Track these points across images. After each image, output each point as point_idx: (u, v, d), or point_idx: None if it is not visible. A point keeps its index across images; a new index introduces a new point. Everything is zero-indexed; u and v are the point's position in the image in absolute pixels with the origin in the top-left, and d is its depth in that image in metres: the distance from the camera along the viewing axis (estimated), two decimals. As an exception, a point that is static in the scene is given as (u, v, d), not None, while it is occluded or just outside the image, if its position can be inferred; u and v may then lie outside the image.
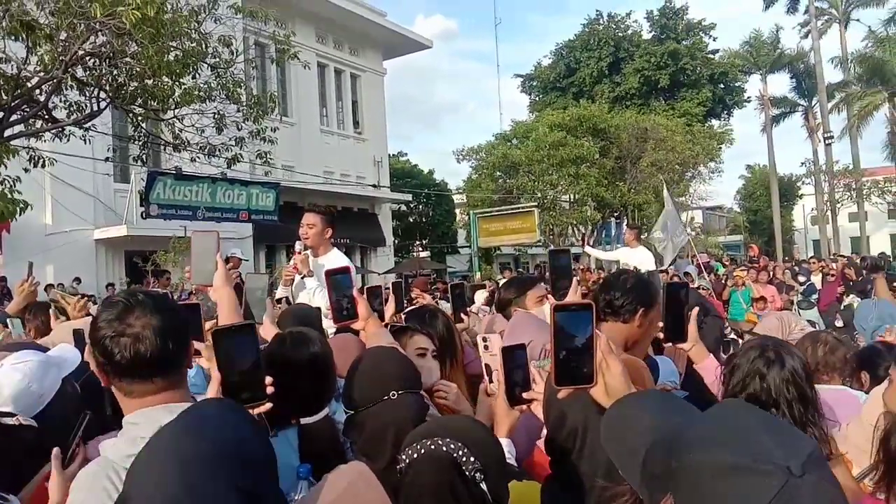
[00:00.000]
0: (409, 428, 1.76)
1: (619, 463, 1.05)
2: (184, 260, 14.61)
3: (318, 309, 3.74)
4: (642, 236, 11.62)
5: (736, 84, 41.02)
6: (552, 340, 1.43)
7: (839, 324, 9.32)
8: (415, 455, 1.53)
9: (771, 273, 13.37)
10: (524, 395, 2.03)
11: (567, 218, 27.40)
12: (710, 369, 2.53)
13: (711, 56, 40.66)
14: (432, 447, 1.51)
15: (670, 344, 2.51)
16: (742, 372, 2.16)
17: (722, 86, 40.49)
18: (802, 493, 0.81)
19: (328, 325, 3.35)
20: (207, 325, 3.21)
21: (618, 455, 1.06)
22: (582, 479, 1.62)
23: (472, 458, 1.50)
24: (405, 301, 4.25)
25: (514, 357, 2.05)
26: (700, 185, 33.53)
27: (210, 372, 2.32)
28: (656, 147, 28.16)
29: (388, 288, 3.35)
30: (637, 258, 9.05)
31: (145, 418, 1.54)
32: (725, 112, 41.72)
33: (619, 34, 41.18)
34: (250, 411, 1.53)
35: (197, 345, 2.62)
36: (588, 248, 13.62)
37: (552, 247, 29.42)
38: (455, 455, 1.49)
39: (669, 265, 14.10)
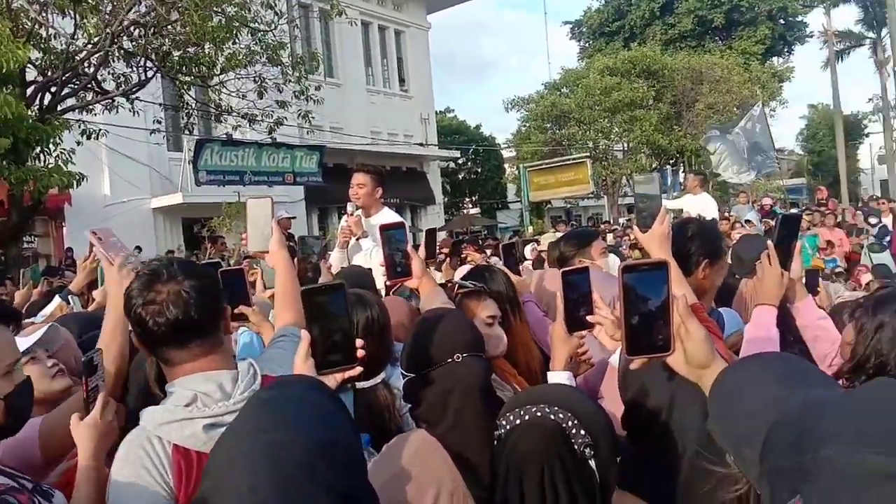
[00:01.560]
0: (474, 392, 1.67)
1: (731, 448, 0.86)
2: (236, 225, 14.84)
3: (371, 270, 3.65)
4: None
5: (797, 19, 38.90)
6: (621, 305, 1.26)
7: (914, 267, 8.86)
8: (517, 421, 1.42)
9: (839, 216, 12.76)
10: (588, 318, 1.88)
11: (621, 168, 26.66)
12: (808, 312, 2.32)
13: (770, -9, 38.54)
14: (538, 414, 1.39)
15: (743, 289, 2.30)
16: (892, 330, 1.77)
17: (782, 21, 38.44)
18: None
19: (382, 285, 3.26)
20: (268, 292, 3.16)
21: (728, 438, 0.87)
22: (668, 459, 1.46)
23: (581, 432, 1.37)
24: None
25: (575, 281, 1.88)
26: (760, 128, 32.12)
27: (263, 336, 2.26)
28: (712, 89, 27.01)
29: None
30: (700, 206, 8.71)
31: (182, 386, 1.56)
32: (786, 49, 39.71)
33: (671, -28, 39.37)
34: (339, 376, 1.50)
35: (243, 309, 2.53)
36: None
37: (602, 196, 28.86)
38: (564, 426, 1.37)
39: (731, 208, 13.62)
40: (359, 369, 1.50)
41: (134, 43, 10.31)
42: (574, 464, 1.34)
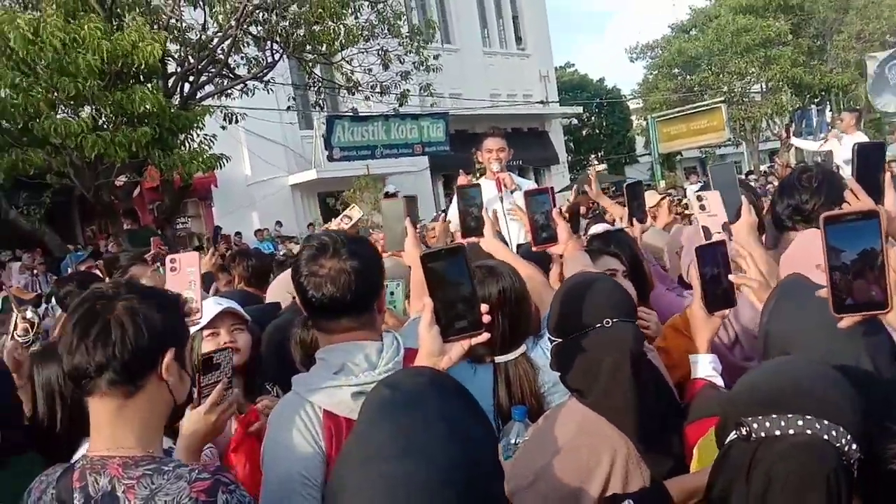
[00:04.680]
0: (626, 359, 1.57)
1: None
2: (367, 196, 15.34)
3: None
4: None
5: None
6: (825, 259, 1.17)
7: None
8: (777, 432, 1.12)
9: None
10: (731, 279, 1.75)
11: (760, 109, 24.86)
12: None
13: None
14: (808, 432, 1.10)
15: None
16: None
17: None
18: None
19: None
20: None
21: None
22: None
23: (854, 447, 1.11)
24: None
25: (711, 255, 1.76)
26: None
27: (409, 261, 2.24)
28: (859, 15, 24.51)
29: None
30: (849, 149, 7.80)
31: (331, 354, 1.65)
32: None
33: None
34: (466, 343, 1.44)
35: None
36: (794, 140, 12.18)
37: (741, 142, 26.97)
38: (838, 445, 1.10)
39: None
40: (486, 335, 1.43)
41: (260, 27, 10.77)
42: (847, 484, 1.11)
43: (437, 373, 1.22)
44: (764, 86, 25.45)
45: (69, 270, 8.69)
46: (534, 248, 2.34)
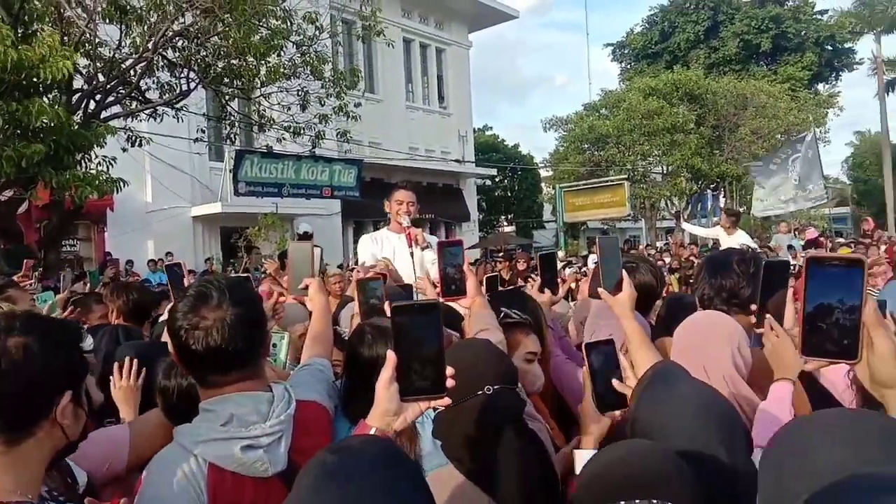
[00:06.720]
0: (506, 427, 1.55)
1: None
2: (272, 235, 15.01)
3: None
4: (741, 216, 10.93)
5: (845, 46, 38.16)
6: (804, 298, 1.15)
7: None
8: None
9: (883, 248, 12.33)
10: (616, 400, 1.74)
11: (659, 190, 26.29)
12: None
13: (819, 17, 37.91)
14: None
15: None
16: None
17: (829, 48, 37.74)
18: None
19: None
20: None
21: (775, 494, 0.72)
22: None
23: None
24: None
25: (601, 353, 1.77)
26: (804, 155, 31.39)
27: (311, 306, 2.19)
28: (756, 115, 26.55)
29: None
30: (737, 243, 8.51)
31: (218, 405, 1.54)
32: (833, 76, 38.96)
33: (717, -3, 38.96)
34: (424, 405, 1.35)
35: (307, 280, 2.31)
36: (685, 224, 13.04)
37: (640, 218, 28.40)
38: None
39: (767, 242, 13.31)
40: (447, 399, 1.34)
41: (177, 53, 10.48)
42: None
43: (390, 444, 1.13)
44: (665, 168, 27.00)
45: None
46: (441, 300, 2.29)
